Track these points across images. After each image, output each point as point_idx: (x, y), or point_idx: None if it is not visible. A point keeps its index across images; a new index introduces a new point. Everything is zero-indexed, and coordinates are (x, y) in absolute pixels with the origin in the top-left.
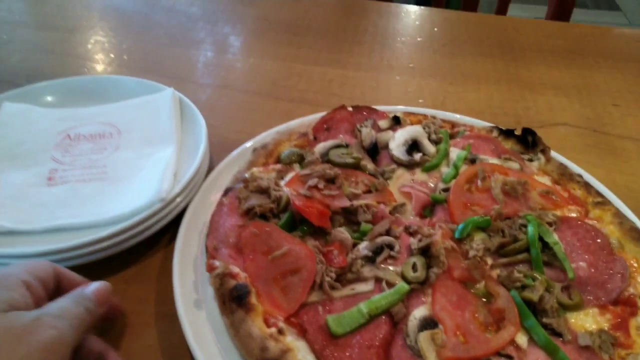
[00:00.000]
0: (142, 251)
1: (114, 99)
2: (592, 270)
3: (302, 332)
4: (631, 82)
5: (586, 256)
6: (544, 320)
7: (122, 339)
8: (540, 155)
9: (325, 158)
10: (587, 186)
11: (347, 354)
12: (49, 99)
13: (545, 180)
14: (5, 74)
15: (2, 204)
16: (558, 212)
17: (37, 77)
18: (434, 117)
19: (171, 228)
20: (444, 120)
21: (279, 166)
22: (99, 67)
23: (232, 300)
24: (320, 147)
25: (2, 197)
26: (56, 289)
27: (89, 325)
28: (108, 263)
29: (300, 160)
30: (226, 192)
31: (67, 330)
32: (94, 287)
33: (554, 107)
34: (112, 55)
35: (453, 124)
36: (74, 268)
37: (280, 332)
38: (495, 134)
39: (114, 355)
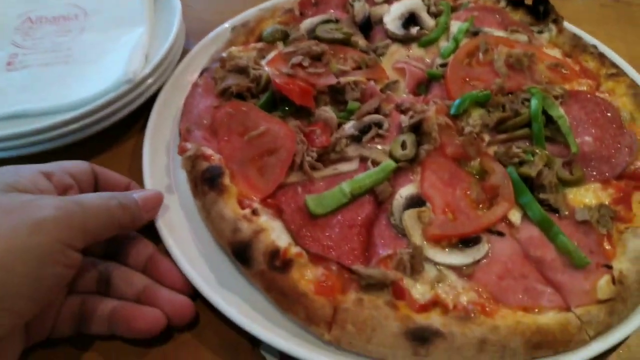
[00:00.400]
0: (113, 136)
1: None
2: (598, 144)
3: (278, 213)
4: None
5: (593, 130)
6: (541, 196)
7: None
8: (552, 26)
9: (312, 35)
10: (601, 57)
11: (326, 234)
12: None
13: (556, 53)
14: None
15: None
16: (567, 86)
17: None
18: None
19: (144, 113)
20: None
21: (260, 44)
22: None
23: (204, 182)
24: (307, 23)
25: None
26: (96, 187)
27: (123, 223)
28: (75, 151)
29: (284, 37)
30: (201, 73)
31: (76, 214)
32: (141, 191)
33: None
34: None
35: None
36: (37, 155)
37: (254, 212)
38: (503, 4)
39: (164, 258)
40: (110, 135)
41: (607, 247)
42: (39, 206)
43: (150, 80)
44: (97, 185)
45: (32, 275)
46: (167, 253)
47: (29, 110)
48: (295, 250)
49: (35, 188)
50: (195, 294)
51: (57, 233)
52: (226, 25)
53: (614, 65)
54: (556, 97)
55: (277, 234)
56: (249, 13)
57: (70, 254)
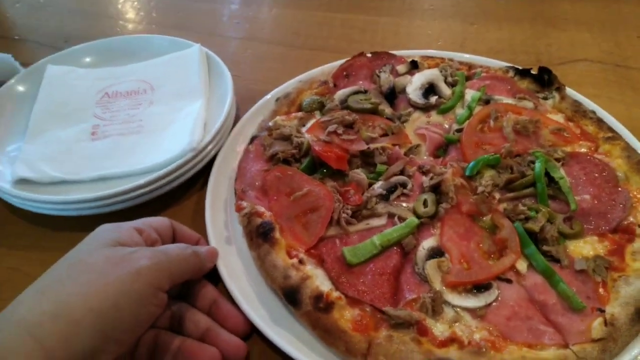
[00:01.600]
0: (177, 196)
1: (146, 57)
2: (595, 202)
3: (321, 262)
4: None
5: (591, 189)
6: (544, 248)
7: None
8: (555, 94)
9: (344, 104)
10: (600, 122)
11: (361, 280)
12: (87, 59)
13: (559, 118)
14: (45, 37)
15: (54, 158)
16: (568, 148)
17: (74, 39)
18: (451, 60)
19: (203, 174)
20: (460, 63)
21: (300, 114)
22: (130, 26)
23: (259, 235)
24: (340, 94)
25: (54, 152)
26: (173, 239)
27: (195, 270)
28: (148, 207)
29: (321, 107)
30: (252, 140)
31: (164, 262)
32: (204, 247)
33: (576, 43)
34: (142, 13)
35: (470, 66)
36: (119, 212)
37: (301, 262)
38: (511, 74)
39: (226, 302)
40: (175, 194)
41: (602, 293)
42: (137, 258)
43: (209, 147)
44: (174, 238)
45: (134, 313)
46: (228, 296)
47: (111, 174)
48: (335, 294)
49: (132, 242)
50: (251, 331)
51: (151, 279)
52: (268, 96)
53: (610, 129)
54: (558, 160)
55: (320, 281)
56: (289, 84)
57: (160, 295)
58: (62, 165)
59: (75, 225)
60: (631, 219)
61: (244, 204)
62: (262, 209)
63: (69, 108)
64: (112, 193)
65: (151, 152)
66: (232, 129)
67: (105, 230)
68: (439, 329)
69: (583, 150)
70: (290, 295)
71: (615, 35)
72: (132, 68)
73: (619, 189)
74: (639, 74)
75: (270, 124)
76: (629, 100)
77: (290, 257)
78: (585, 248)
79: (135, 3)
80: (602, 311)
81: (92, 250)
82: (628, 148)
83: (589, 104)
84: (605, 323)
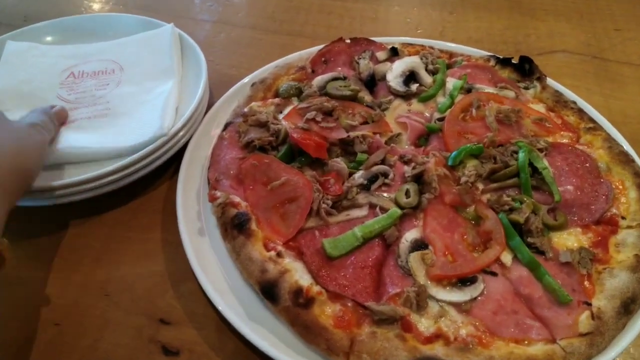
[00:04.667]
0: (147, 184)
1: (114, 37)
2: (579, 192)
3: (300, 255)
4: (636, 4)
5: (574, 179)
6: (529, 239)
7: (131, 264)
8: (536, 83)
9: (323, 91)
10: (581, 112)
11: (342, 274)
12: (49, 38)
13: (540, 108)
14: (2, 15)
15: None
16: (550, 139)
17: (34, 18)
18: (431, 48)
19: (174, 161)
20: (441, 51)
21: (277, 100)
22: (96, 6)
23: (234, 227)
24: (318, 80)
25: None
26: None
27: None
28: (116, 194)
29: (299, 93)
30: (226, 126)
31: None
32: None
33: (555, 34)
34: None
35: (451, 54)
36: (85, 200)
37: (279, 255)
38: (492, 63)
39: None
40: (144, 183)
41: (588, 285)
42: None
43: (181, 133)
44: None
45: None
46: (201, 290)
47: (76, 157)
48: (316, 289)
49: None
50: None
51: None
52: (245, 80)
53: (591, 120)
54: (541, 150)
55: (299, 275)
56: (266, 69)
57: None
58: None
59: (35, 216)
60: (614, 210)
61: (218, 193)
62: (237, 199)
63: (31, 86)
64: (75, 181)
65: (119, 136)
66: (205, 115)
67: None
68: (424, 324)
69: (565, 140)
70: (268, 290)
71: (593, 27)
72: (100, 47)
73: (601, 180)
74: (616, 66)
75: (246, 110)
76: (607, 92)
77: (268, 249)
78: (569, 240)
79: None
80: (589, 304)
81: None
82: (609, 139)
83: (569, 94)
84: (592, 317)
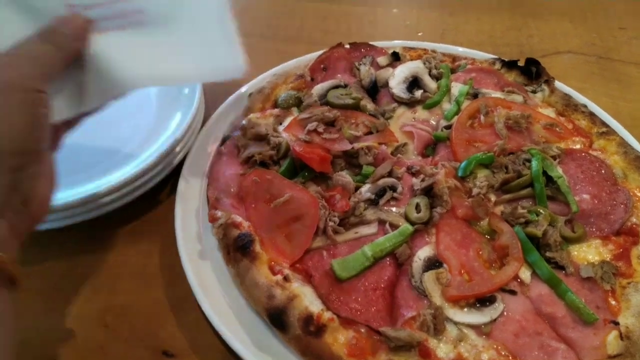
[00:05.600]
0: (143, 206)
1: None
2: (596, 202)
3: (308, 278)
4: None
5: (590, 188)
6: (547, 254)
7: (129, 292)
8: (544, 87)
9: (323, 100)
10: (592, 116)
11: (353, 297)
12: None
13: (550, 112)
14: None
15: None
16: (562, 145)
17: None
18: (434, 52)
19: (170, 179)
20: (444, 54)
21: (276, 111)
22: None
23: (237, 249)
24: (318, 88)
25: None
26: None
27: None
28: (110, 218)
29: (298, 103)
30: (224, 140)
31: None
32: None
33: (558, 35)
34: None
35: (454, 58)
36: (77, 225)
37: (286, 279)
38: (497, 66)
39: None
40: (140, 204)
41: (613, 302)
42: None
43: (177, 149)
44: None
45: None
46: (204, 317)
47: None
48: (327, 315)
49: None
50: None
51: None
52: (242, 90)
53: (604, 124)
54: (554, 157)
55: (309, 300)
56: (263, 78)
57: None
58: None
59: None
60: (634, 219)
61: (219, 213)
62: (239, 219)
63: None
64: (70, 203)
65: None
66: (200, 129)
67: None
68: (443, 350)
69: (577, 146)
70: (276, 318)
71: (597, 26)
72: None
73: (618, 187)
74: (623, 66)
75: (244, 122)
76: (615, 94)
77: (274, 273)
78: (589, 253)
79: None
80: (616, 324)
81: None
82: (624, 144)
83: (578, 97)
84: (621, 337)
